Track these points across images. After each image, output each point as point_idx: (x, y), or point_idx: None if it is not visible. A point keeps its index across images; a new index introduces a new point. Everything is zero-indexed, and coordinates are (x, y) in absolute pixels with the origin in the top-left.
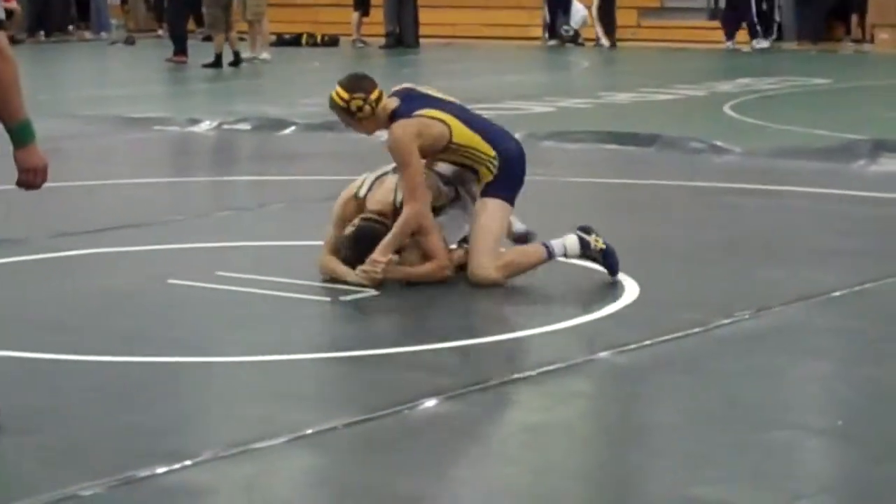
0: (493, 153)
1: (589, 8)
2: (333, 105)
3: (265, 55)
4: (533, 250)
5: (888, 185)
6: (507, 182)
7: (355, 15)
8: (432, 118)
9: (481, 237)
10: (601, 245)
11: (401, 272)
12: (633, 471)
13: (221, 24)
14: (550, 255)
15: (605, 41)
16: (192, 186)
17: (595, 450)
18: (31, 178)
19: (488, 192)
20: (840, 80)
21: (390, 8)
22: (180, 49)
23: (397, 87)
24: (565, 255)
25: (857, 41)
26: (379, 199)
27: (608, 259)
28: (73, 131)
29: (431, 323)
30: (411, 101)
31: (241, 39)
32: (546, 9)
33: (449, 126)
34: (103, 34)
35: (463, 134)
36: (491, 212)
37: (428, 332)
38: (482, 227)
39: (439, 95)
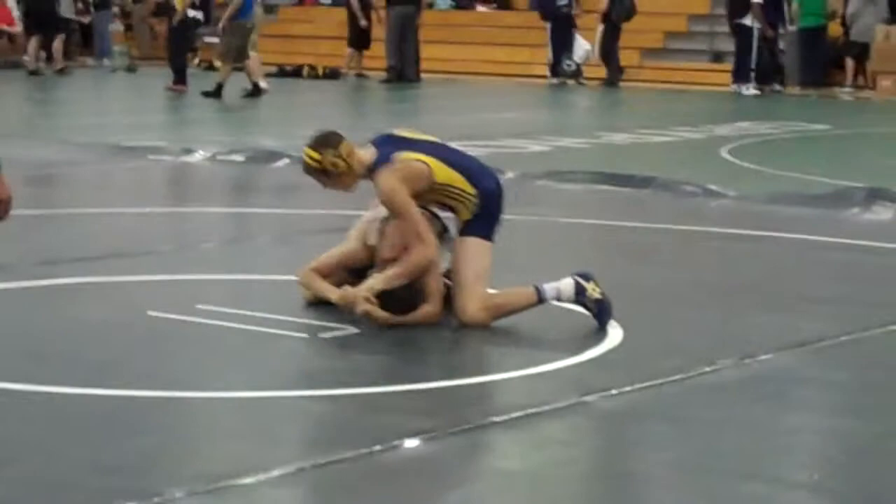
0: (473, 191)
1: (593, 46)
2: (307, 168)
3: (264, 84)
4: (523, 293)
5: (881, 234)
6: (486, 220)
7: (349, 50)
8: (412, 160)
9: (465, 278)
10: (597, 295)
11: (384, 317)
12: None
13: (234, 54)
14: (541, 299)
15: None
16: (181, 217)
17: (572, 499)
18: None
19: (467, 230)
20: (839, 127)
21: (392, 42)
22: (180, 78)
23: (373, 138)
24: (558, 300)
25: (858, 87)
26: (393, 245)
27: (601, 311)
28: (66, 159)
29: (411, 363)
30: (387, 147)
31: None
32: (550, 46)
33: (429, 166)
34: (105, 61)
35: (443, 172)
36: (473, 251)
37: (407, 372)
38: (466, 268)
39: (416, 136)
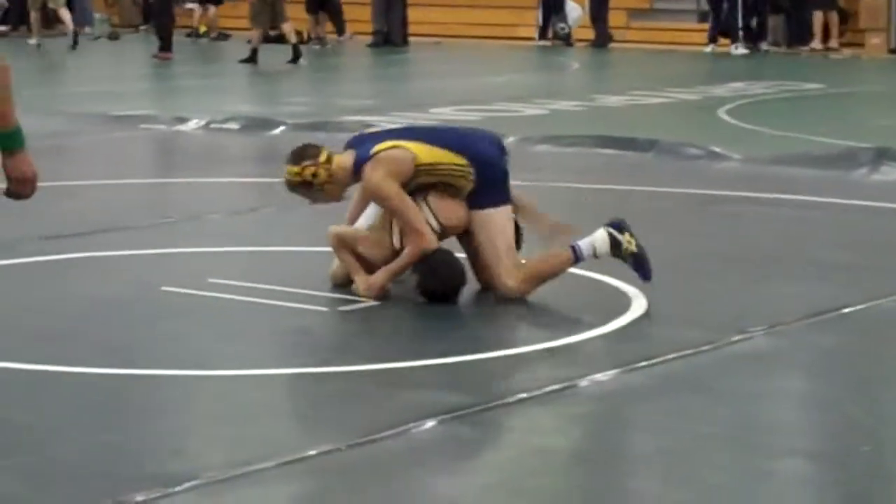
0: (463, 161)
1: (583, 7)
2: (290, 185)
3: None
4: (559, 255)
5: (891, 195)
6: (494, 185)
7: (310, 17)
8: (391, 148)
9: (496, 254)
10: (633, 248)
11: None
12: (640, 499)
13: (265, 18)
14: (578, 258)
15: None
16: (181, 188)
17: (601, 476)
18: (20, 187)
19: (480, 202)
20: (833, 86)
21: (378, 6)
22: (166, 46)
23: (347, 140)
24: (595, 256)
25: (827, 49)
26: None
27: (640, 265)
28: (56, 129)
29: (434, 337)
30: (363, 145)
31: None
32: (540, 9)
33: (410, 150)
34: (87, 29)
35: (428, 153)
36: (497, 223)
37: (429, 347)
38: (495, 243)
39: (391, 127)
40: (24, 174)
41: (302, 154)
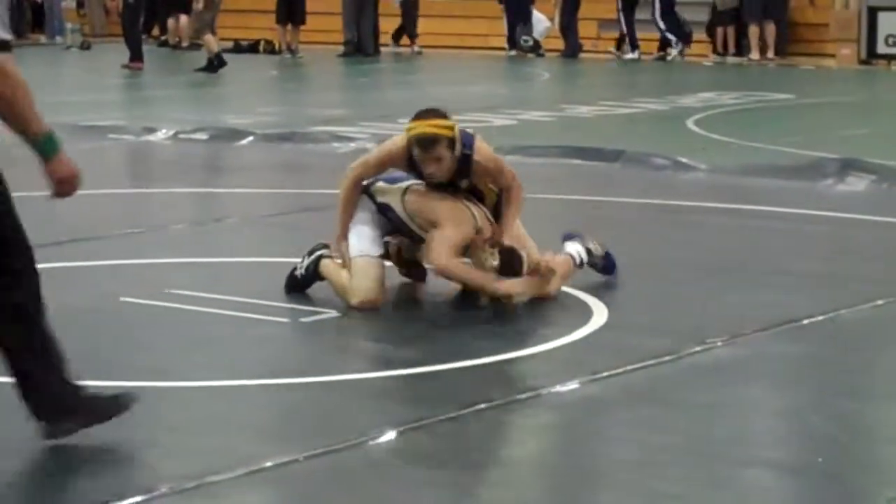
0: None
1: (552, 19)
2: (439, 139)
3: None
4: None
5: (856, 206)
6: None
7: (279, 27)
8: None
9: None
10: (601, 250)
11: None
12: None
13: (208, 28)
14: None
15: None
16: (146, 198)
17: (562, 487)
18: (62, 188)
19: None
20: (803, 96)
21: (349, 15)
22: (136, 55)
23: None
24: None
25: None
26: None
27: (609, 266)
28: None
29: (395, 348)
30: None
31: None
32: (505, 19)
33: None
34: (58, 39)
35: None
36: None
37: (389, 358)
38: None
39: None
40: (63, 176)
41: (443, 112)
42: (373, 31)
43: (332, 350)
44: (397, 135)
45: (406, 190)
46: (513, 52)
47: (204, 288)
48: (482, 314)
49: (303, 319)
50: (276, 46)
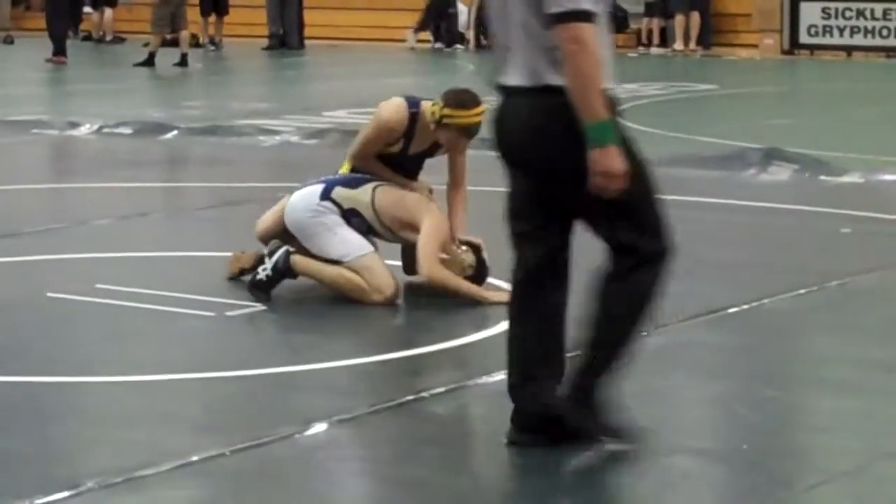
0: None
1: (469, 9)
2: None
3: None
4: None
5: (779, 195)
6: None
7: (202, 20)
8: None
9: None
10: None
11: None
12: (524, 497)
13: (166, 24)
14: None
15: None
16: (70, 193)
17: (488, 475)
18: (600, 181)
19: None
20: (726, 87)
21: (273, 8)
22: (59, 49)
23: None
24: None
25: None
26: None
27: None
28: None
29: (322, 341)
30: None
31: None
32: (424, 12)
33: None
34: None
35: None
36: None
37: (318, 350)
38: None
39: None
40: (604, 169)
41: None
42: (298, 24)
43: (259, 343)
44: (386, 103)
45: (375, 188)
46: (437, 45)
47: (129, 282)
48: (408, 307)
49: (229, 313)
50: (199, 39)
